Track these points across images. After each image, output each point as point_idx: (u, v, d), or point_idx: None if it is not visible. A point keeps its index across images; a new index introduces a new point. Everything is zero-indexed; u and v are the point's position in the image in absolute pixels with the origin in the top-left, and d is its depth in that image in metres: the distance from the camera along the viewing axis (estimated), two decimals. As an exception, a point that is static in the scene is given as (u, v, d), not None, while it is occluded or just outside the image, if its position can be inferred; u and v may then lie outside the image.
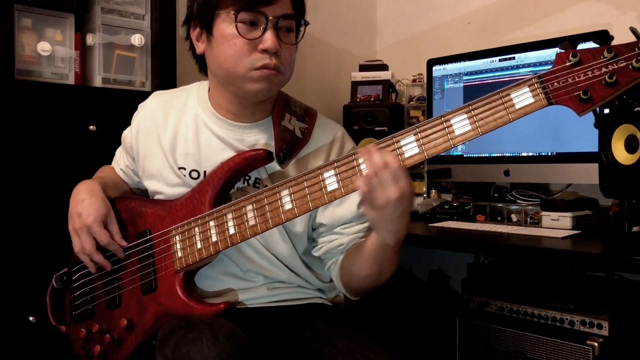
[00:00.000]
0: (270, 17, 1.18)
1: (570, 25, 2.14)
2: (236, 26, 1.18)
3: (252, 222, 1.17)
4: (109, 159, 1.52)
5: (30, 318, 1.56)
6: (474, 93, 2.10)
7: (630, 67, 0.93)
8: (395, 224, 1.08)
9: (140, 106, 1.42)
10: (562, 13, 2.18)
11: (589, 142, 1.75)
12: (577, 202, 1.83)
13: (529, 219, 1.85)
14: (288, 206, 1.14)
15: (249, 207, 1.18)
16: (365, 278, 1.23)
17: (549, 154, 1.91)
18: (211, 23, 1.22)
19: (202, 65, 1.34)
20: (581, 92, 0.95)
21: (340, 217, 1.28)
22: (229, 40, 1.20)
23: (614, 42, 0.97)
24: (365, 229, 1.29)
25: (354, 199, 1.27)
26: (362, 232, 1.29)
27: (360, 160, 1.07)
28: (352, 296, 1.31)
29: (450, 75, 2.17)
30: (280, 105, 1.30)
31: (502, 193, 2.10)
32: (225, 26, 1.20)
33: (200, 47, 1.28)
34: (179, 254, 1.24)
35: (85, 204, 1.28)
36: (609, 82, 0.94)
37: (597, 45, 0.97)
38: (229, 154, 1.27)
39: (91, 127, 1.68)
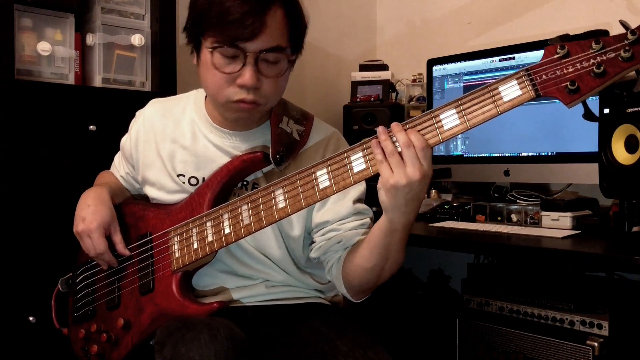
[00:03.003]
0: (249, 53, 1.14)
1: (571, 25, 2.14)
2: (212, 60, 1.16)
3: (246, 222, 1.18)
4: (109, 159, 1.52)
5: (30, 318, 1.56)
6: (474, 93, 2.10)
7: (619, 57, 0.93)
8: (407, 206, 1.06)
9: (138, 113, 1.42)
10: (562, 13, 2.19)
11: (589, 142, 1.75)
12: (577, 202, 1.83)
13: (529, 219, 1.85)
14: (281, 205, 1.14)
15: (244, 207, 1.18)
16: (369, 271, 1.19)
17: (549, 154, 1.91)
18: (199, 46, 1.21)
19: None
20: (569, 82, 0.95)
21: (336, 213, 1.27)
22: (210, 69, 1.18)
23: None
24: (363, 225, 1.28)
25: (350, 196, 1.27)
26: (360, 228, 1.27)
27: (382, 138, 1.04)
28: (354, 297, 1.28)
29: (450, 75, 2.17)
30: (278, 109, 1.30)
31: (502, 193, 2.10)
32: (207, 54, 1.18)
33: (194, 60, 1.27)
34: (176, 254, 1.25)
35: (91, 210, 1.29)
36: (597, 72, 0.94)
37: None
38: (227, 159, 1.28)
39: (91, 127, 1.68)
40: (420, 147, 1.02)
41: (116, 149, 1.49)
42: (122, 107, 1.70)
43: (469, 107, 1.02)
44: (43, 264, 1.57)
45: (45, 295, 1.45)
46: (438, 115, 1.03)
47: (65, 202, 1.37)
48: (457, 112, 1.02)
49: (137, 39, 1.78)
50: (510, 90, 0.99)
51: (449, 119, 1.03)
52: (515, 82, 0.99)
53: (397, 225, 1.10)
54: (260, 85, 1.18)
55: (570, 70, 0.96)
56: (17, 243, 1.56)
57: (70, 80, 1.70)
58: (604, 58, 0.93)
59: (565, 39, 0.97)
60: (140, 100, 1.45)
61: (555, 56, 0.97)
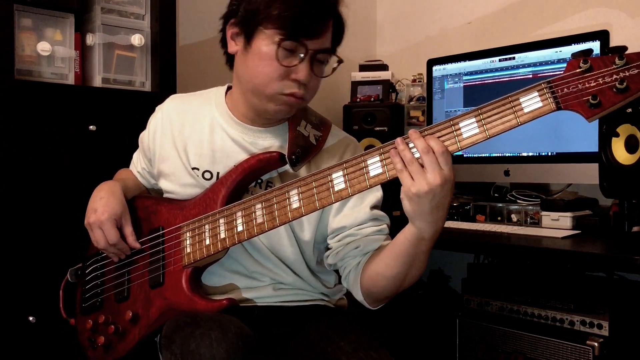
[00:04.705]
0: (310, 50, 1.18)
1: (570, 26, 2.14)
2: (277, 52, 1.18)
3: (259, 220, 1.18)
4: (109, 159, 1.53)
5: (30, 318, 1.56)
6: (474, 93, 2.11)
7: None
8: (433, 214, 1.04)
9: (158, 108, 1.43)
10: (561, 14, 2.19)
11: (589, 142, 1.75)
12: (577, 202, 1.83)
13: (529, 219, 1.86)
14: (295, 205, 1.14)
15: (258, 206, 1.19)
16: (391, 279, 1.18)
17: (549, 154, 1.91)
18: (252, 35, 1.21)
19: (230, 61, 1.33)
20: (590, 97, 0.95)
21: (354, 219, 1.27)
22: (265, 59, 1.19)
23: (612, 45, 0.96)
24: (381, 231, 1.27)
25: (367, 202, 1.27)
26: (378, 234, 1.26)
27: (400, 147, 1.04)
28: (371, 304, 1.27)
29: (450, 75, 2.17)
30: (298, 112, 1.31)
31: (502, 193, 2.10)
32: (265, 45, 1.19)
33: (233, 48, 1.26)
34: (188, 250, 1.26)
35: (103, 202, 1.31)
36: (620, 88, 0.93)
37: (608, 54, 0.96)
38: (243, 156, 1.28)
39: (91, 127, 1.68)
40: (440, 151, 1.01)
41: (116, 148, 1.50)
42: (122, 107, 1.71)
43: (489, 117, 1.01)
44: (43, 264, 1.56)
45: (45, 295, 1.45)
46: (457, 123, 1.03)
47: (65, 203, 1.37)
48: (477, 121, 1.02)
49: (137, 39, 1.78)
50: (531, 102, 0.99)
51: (469, 128, 1.02)
52: (537, 93, 0.99)
53: (424, 234, 1.09)
54: (310, 82, 1.21)
55: (593, 84, 0.95)
56: (17, 243, 1.56)
57: (70, 80, 1.70)
58: (627, 74, 0.93)
59: (588, 53, 0.97)
60: (140, 100, 1.46)
61: (578, 70, 0.96)
